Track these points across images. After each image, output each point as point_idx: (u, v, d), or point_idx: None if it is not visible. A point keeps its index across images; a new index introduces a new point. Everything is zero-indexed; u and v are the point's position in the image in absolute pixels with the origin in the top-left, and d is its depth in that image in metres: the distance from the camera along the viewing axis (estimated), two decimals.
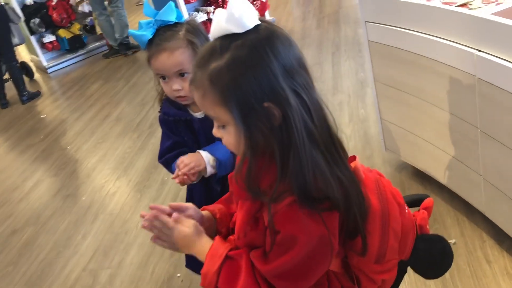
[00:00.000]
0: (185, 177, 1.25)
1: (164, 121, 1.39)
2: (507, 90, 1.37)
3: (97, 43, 5.97)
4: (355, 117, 2.84)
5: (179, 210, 0.95)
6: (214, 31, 0.77)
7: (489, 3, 1.55)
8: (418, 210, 1.02)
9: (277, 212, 0.78)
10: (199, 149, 1.33)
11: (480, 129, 1.56)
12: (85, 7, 5.91)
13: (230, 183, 0.92)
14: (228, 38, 0.76)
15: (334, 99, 3.11)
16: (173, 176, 1.29)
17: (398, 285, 0.99)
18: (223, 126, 0.81)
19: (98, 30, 5.89)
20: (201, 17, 4.63)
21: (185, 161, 1.26)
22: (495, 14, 1.39)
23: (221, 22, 0.75)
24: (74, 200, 2.82)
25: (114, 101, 4.24)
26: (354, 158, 0.89)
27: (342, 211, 0.80)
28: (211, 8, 4.67)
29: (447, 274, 1.57)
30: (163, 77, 1.27)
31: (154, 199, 2.61)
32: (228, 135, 0.81)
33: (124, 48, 5.45)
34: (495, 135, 1.51)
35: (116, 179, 2.93)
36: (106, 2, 5.27)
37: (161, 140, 1.42)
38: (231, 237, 0.96)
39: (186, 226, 0.91)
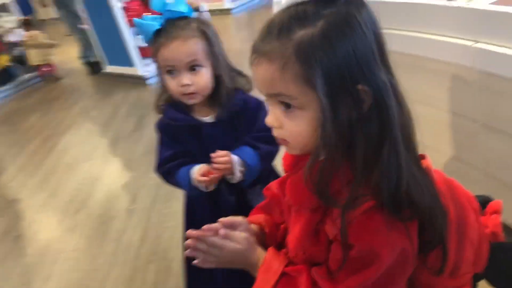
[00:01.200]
0: (217, 175, 1.14)
1: (164, 128, 1.24)
2: (509, 78, 1.37)
3: (29, 74, 5.57)
4: None
5: (232, 226, 0.82)
6: None
7: None
8: (484, 215, 0.89)
9: (351, 222, 0.66)
10: (207, 159, 1.19)
11: (482, 122, 1.55)
12: (11, 37, 5.52)
13: (267, 196, 0.81)
14: (316, 4, 0.64)
15: None
16: (199, 174, 1.16)
17: None
18: (289, 108, 0.68)
19: (31, 60, 5.52)
20: None
21: (221, 153, 1.14)
22: (493, 3, 1.40)
23: None
24: (27, 241, 2.51)
25: (58, 132, 3.92)
26: (423, 156, 0.77)
27: (424, 220, 0.68)
28: None
29: None
30: (171, 71, 1.14)
31: (122, 230, 2.38)
32: (298, 122, 0.68)
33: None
34: (497, 126, 1.50)
35: (74, 213, 2.65)
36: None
37: (159, 150, 1.28)
38: (283, 250, 0.82)
39: (237, 242, 0.79)
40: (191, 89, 1.14)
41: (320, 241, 0.71)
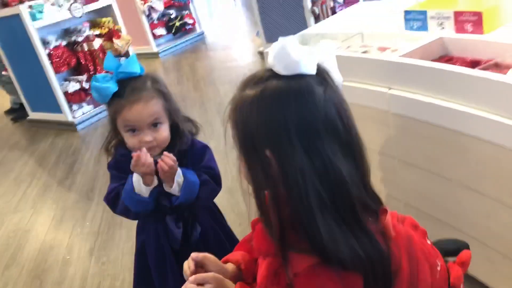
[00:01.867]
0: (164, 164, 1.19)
1: (116, 165, 1.30)
2: (419, 119, 1.58)
3: None
4: None
5: (203, 264, 0.90)
6: (268, 61, 0.76)
7: (384, 50, 1.80)
8: (454, 262, 0.92)
9: (298, 274, 0.73)
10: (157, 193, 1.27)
11: (398, 158, 1.74)
12: None
13: (253, 230, 0.87)
14: (270, 74, 0.75)
15: (234, 153, 3.17)
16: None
17: None
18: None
19: None
20: (73, 86, 4.41)
21: (172, 156, 1.21)
22: (403, 56, 1.62)
23: (271, 56, 0.74)
24: None
25: None
26: (385, 211, 0.82)
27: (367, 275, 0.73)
28: (83, 77, 4.49)
29: None
30: (132, 130, 1.20)
31: (59, 282, 2.31)
32: (244, 169, 0.78)
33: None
34: (412, 161, 1.70)
35: (4, 269, 2.52)
36: None
37: (110, 185, 1.32)
38: (254, 284, 0.90)
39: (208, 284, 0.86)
40: (152, 144, 1.21)
41: (280, 283, 0.78)
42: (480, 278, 1.62)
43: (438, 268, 0.86)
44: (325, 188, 0.72)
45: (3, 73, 4.83)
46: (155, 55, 6.56)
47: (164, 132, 1.23)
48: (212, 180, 1.31)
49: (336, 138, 0.74)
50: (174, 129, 1.27)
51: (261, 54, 5.02)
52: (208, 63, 5.80)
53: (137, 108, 1.18)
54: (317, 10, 4.55)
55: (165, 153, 1.21)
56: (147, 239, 1.34)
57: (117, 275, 2.27)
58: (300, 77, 0.74)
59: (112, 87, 1.18)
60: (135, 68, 1.20)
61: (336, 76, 0.80)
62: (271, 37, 4.71)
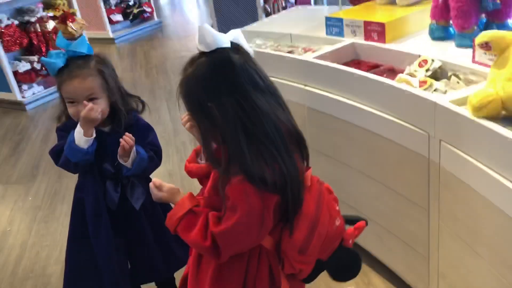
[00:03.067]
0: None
1: (64, 128, 1.48)
2: (329, 114, 1.82)
3: None
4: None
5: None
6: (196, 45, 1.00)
7: (308, 51, 2.03)
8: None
9: (231, 184, 0.99)
10: (100, 160, 1.47)
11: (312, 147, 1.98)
12: None
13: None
14: (198, 55, 1.01)
15: (177, 140, 3.36)
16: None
17: (314, 278, 1.17)
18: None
19: None
20: (24, 66, 4.45)
21: (131, 136, 1.42)
22: (316, 58, 1.85)
23: (196, 41, 0.99)
24: None
25: None
26: (308, 168, 1.13)
27: (280, 195, 1.01)
28: (34, 58, 4.52)
29: None
30: (72, 102, 1.38)
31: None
32: (195, 126, 1.08)
33: None
34: (324, 151, 1.94)
35: None
36: None
37: (57, 143, 1.50)
38: (199, 196, 1.16)
39: (163, 191, 1.15)
40: None
41: (219, 194, 1.02)
42: (371, 251, 1.90)
43: (337, 223, 1.14)
44: (253, 124, 0.98)
45: None
46: (110, 41, 6.59)
47: (99, 106, 1.40)
48: (155, 156, 1.52)
49: (258, 89, 1.01)
50: (115, 106, 1.46)
51: None
52: (162, 52, 5.92)
53: (74, 83, 1.37)
54: (268, 8, 4.77)
55: (127, 133, 1.41)
56: (86, 196, 1.52)
57: (55, 246, 2.41)
58: (219, 51, 0.99)
59: (58, 62, 1.36)
60: (83, 48, 1.39)
61: (247, 48, 1.06)
62: (223, 30, 4.89)
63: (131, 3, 7.04)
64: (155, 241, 1.59)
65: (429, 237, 1.54)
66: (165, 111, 3.91)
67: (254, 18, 4.62)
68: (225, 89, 0.99)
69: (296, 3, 4.94)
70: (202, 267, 1.16)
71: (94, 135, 1.41)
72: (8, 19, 4.37)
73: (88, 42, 1.48)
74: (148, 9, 7.19)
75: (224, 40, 1.01)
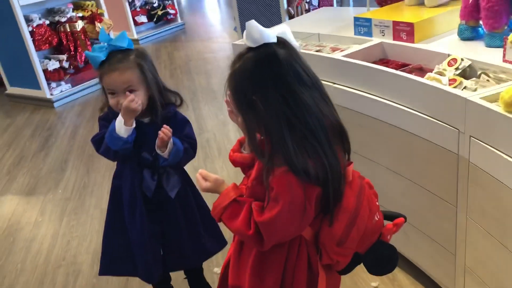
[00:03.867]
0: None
1: (105, 117, 1.54)
2: (357, 111, 1.86)
3: None
4: (223, 151, 3.19)
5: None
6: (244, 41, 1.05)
7: (336, 50, 2.08)
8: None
9: (275, 175, 1.02)
10: (139, 150, 1.52)
11: None
12: None
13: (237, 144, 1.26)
14: (246, 49, 1.05)
15: (202, 137, 3.42)
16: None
17: (350, 270, 1.21)
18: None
19: None
20: (53, 64, 4.57)
21: (168, 128, 1.47)
22: (345, 56, 1.89)
23: (243, 37, 1.03)
24: None
25: None
26: (350, 163, 1.14)
27: (321, 187, 1.03)
28: (63, 56, 4.65)
29: None
30: (112, 93, 1.45)
31: (31, 239, 2.52)
32: (239, 119, 1.10)
33: None
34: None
35: None
36: None
37: (98, 132, 1.57)
38: (242, 185, 1.21)
39: (208, 181, 1.18)
40: None
41: (263, 185, 1.06)
42: (398, 248, 1.92)
43: (376, 218, 1.17)
44: (296, 117, 1.00)
45: None
46: (135, 42, 6.72)
47: (138, 98, 1.46)
48: (190, 148, 1.58)
49: (303, 83, 1.03)
50: (153, 99, 1.52)
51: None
52: (186, 53, 6.02)
53: (113, 75, 1.43)
54: (292, 10, 4.82)
55: (165, 126, 1.47)
56: (123, 183, 1.58)
57: (85, 236, 2.49)
58: (266, 46, 1.03)
59: (100, 56, 1.43)
60: (123, 43, 1.45)
61: (294, 42, 1.09)
62: None
63: (155, 5, 7.17)
64: (186, 230, 1.65)
65: (457, 233, 1.56)
66: (189, 110, 3.98)
67: (277, 21, 4.68)
68: (270, 83, 1.02)
69: (319, 5, 4.99)
70: (243, 255, 1.20)
71: (134, 125, 1.47)
72: (40, 19, 4.51)
73: None
74: (172, 11, 7.31)
75: (271, 35, 1.04)
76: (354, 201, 1.10)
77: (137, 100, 1.44)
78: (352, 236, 1.10)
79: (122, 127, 1.45)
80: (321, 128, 1.03)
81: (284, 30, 1.08)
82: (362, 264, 1.21)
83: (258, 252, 1.15)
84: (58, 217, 2.70)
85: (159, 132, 1.46)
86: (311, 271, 1.16)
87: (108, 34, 1.60)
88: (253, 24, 1.02)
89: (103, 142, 1.50)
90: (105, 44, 1.46)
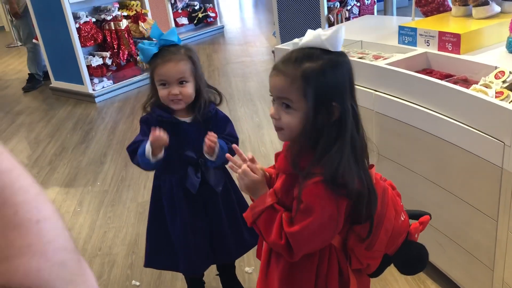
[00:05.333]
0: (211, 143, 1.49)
1: (146, 121, 1.58)
2: (397, 119, 1.86)
3: None
4: (257, 154, 3.22)
5: (252, 161, 1.18)
6: (309, 42, 1.04)
7: (378, 58, 2.08)
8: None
9: (305, 187, 1.02)
10: (180, 151, 1.56)
11: (376, 151, 2.02)
12: None
13: (276, 159, 1.18)
14: (321, 51, 1.03)
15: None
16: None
17: (381, 272, 1.23)
18: (287, 108, 1.04)
19: None
20: (96, 61, 4.72)
21: (214, 134, 1.50)
22: (388, 64, 1.90)
23: (319, 38, 1.02)
24: None
25: (1, 138, 4.04)
26: (372, 166, 1.15)
27: (353, 201, 1.04)
28: (107, 53, 4.79)
29: None
30: (164, 84, 1.50)
31: (68, 228, 2.60)
32: (291, 117, 1.04)
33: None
34: (387, 155, 1.98)
35: None
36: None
37: (136, 136, 1.60)
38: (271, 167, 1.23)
39: (257, 174, 1.15)
40: (178, 97, 1.50)
41: (289, 196, 1.08)
42: (430, 259, 1.90)
43: (402, 218, 1.18)
44: (357, 132, 1.05)
45: (34, 41, 5.16)
46: None
47: (189, 89, 1.51)
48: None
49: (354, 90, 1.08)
50: (199, 93, 1.56)
51: (274, 53, 5.30)
52: (224, 55, 6.10)
53: (168, 66, 1.48)
54: (332, 18, 4.82)
55: (210, 133, 1.50)
56: (163, 183, 1.63)
57: (121, 228, 2.56)
58: (342, 54, 1.06)
59: (153, 49, 1.49)
60: (174, 38, 1.51)
61: None
62: (285, 39, 4.99)
63: (196, 7, 7.29)
64: (228, 224, 1.68)
65: (496, 247, 1.54)
66: (226, 111, 4.01)
67: (317, 28, 4.69)
68: (347, 92, 1.04)
69: (359, 14, 4.97)
70: (271, 267, 1.20)
71: (162, 155, 1.50)
72: (87, 16, 4.67)
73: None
74: (212, 14, 7.42)
75: (341, 44, 1.05)
76: (379, 205, 1.11)
77: (163, 135, 1.46)
78: (380, 238, 1.11)
79: (150, 156, 1.49)
80: (362, 142, 1.08)
81: (338, 34, 1.06)
82: (392, 265, 1.22)
83: (287, 264, 1.14)
84: (96, 208, 2.78)
85: (206, 140, 1.49)
86: (341, 277, 1.17)
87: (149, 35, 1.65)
88: (339, 32, 1.03)
89: (136, 156, 1.54)
90: (155, 40, 1.51)
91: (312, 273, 1.14)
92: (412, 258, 1.21)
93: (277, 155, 1.18)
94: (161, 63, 1.49)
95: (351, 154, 1.02)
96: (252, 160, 1.18)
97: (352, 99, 1.05)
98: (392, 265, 1.23)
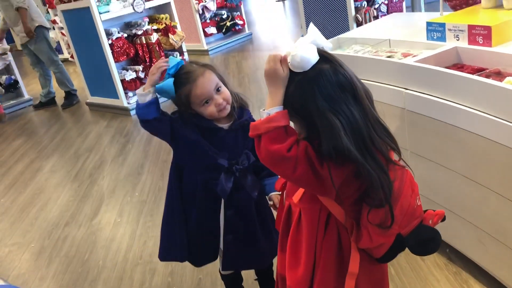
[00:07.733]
0: None
1: (175, 120, 1.56)
2: (430, 116, 1.83)
3: (12, 101, 5.86)
4: None
5: None
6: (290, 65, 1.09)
7: (407, 56, 2.05)
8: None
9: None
10: (216, 153, 1.57)
11: (410, 150, 1.99)
12: None
13: None
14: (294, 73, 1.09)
15: None
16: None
17: (393, 257, 1.23)
18: (291, 117, 1.12)
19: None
20: (130, 75, 4.85)
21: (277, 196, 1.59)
22: (417, 61, 1.87)
23: (290, 58, 1.07)
24: (23, 248, 2.77)
25: (43, 155, 4.21)
26: (392, 153, 1.17)
27: (362, 179, 1.08)
28: (139, 67, 4.92)
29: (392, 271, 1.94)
30: (207, 101, 1.48)
31: (111, 239, 2.69)
32: (295, 126, 1.16)
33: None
34: (420, 153, 1.95)
35: (64, 225, 2.94)
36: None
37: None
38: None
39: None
40: (224, 104, 1.49)
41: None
42: (472, 257, 1.86)
43: (418, 202, 1.19)
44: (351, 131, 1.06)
45: (70, 58, 5.36)
46: (205, 52, 6.97)
47: (226, 92, 1.51)
48: None
49: (351, 93, 1.07)
50: (233, 95, 1.56)
51: None
52: (253, 62, 6.14)
53: (201, 82, 1.46)
54: (360, 17, 4.78)
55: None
56: (186, 184, 1.67)
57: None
58: (312, 67, 1.07)
59: (170, 79, 1.46)
60: (175, 61, 1.49)
61: (327, 44, 1.12)
62: None
63: (224, 16, 7.39)
64: (260, 228, 1.68)
65: None
66: (257, 118, 4.05)
67: (345, 28, 4.66)
68: (322, 102, 1.06)
69: (388, 12, 4.92)
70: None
71: (152, 91, 1.47)
72: (118, 32, 4.81)
73: (186, 52, 1.59)
74: (240, 22, 7.50)
75: (314, 57, 1.07)
76: (397, 184, 1.12)
77: (226, 92, 1.48)
78: (396, 214, 1.11)
79: (141, 94, 1.48)
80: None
81: (315, 37, 1.10)
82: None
83: (296, 226, 1.25)
84: (135, 219, 2.86)
85: (269, 203, 1.63)
86: (340, 251, 1.21)
87: (180, 46, 1.65)
88: (299, 52, 1.05)
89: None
90: (169, 75, 1.49)
91: (313, 237, 1.21)
92: (424, 240, 1.20)
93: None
94: (193, 84, 1.46)
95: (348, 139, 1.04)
96: None
97: (329, 104, 1.05)
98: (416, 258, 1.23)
